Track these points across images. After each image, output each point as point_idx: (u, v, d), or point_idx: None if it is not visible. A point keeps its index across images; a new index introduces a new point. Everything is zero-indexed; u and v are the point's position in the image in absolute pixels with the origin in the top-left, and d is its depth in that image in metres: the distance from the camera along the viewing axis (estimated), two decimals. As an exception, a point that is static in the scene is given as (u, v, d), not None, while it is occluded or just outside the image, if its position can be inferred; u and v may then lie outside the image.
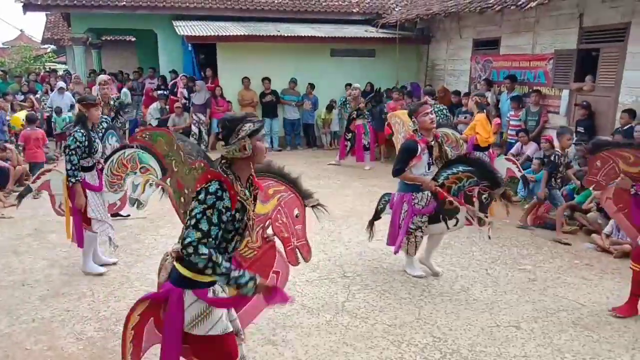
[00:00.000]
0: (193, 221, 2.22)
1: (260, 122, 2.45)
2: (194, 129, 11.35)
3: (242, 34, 11.46)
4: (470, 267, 5.18)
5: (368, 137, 9.89)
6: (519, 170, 6.57)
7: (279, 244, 3.23)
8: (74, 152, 4.54)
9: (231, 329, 2.50)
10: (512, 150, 8.42)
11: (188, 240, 2.19)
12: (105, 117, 5.32)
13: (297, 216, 3.23)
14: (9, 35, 41.39)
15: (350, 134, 9.99)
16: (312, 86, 11.84)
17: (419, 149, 4.48)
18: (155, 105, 11.74)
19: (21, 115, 10.23)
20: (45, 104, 12.04)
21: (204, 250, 2.20)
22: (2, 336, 3.77)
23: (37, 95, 12.35)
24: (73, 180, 4.56)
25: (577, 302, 4.44)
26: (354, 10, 13.93)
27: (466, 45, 10.93)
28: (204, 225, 2.21)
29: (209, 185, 2.27)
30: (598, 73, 7.59)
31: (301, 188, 3.25)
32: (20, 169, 8.35)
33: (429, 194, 4.56)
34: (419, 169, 4.55)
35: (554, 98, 8.47)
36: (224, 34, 11.44)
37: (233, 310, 2.64)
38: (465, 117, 9.27)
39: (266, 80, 11.55)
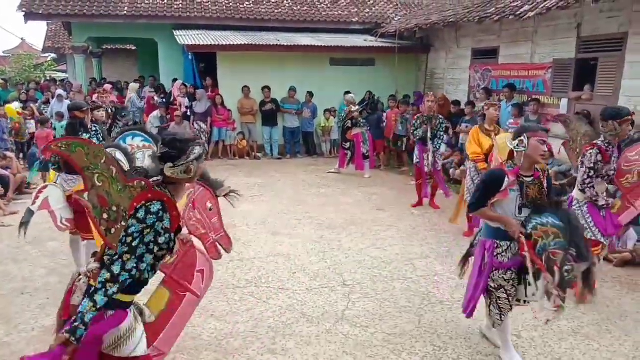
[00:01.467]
0: (129, 239, 2.22)
1: (203, 146, 2.50)
2: (195, 137, 11.36)
3: (243, 43, 11.53)
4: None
5: (367, 146, 9.91)
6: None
7: (197, 242, 3.22)
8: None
9: (150, 351, 2.51)
10: (511, 159, 8.43)
11: (115, 257, 2.22)
12: (96, 125, 5.33)
13: (210, 209, 3.21)
14: (10, 44, 41.56)
15: (349, 143, 10.02)
16: (311, 94, 11.88)
17: (506, 182, 3.33)
18: (155, 113, 11.76)
19: (14, 105, 10.43)
20: (45, 113, 12.06)
21: (113, 288, 2.19)
22: (1, 345, 3.76)
23: (37, 104, 12.39)
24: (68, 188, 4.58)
25: (578, 311, 4.44)
26: (354, 20, 14.02)
27: (465, 55, 10.99)
28: (136, 243, 2.21)
29: (151, 205, 2.25)
30: (596, 82, 7.63)
31: (209, 180, 3.24)
32: (20, 177, 8.36)
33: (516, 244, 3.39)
34: (505, 210, 3.38)
35: (553, 107, 8.51)
36: (225, 43, 11.51)
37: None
38: (467, 127, 9.29)
39: (266, 89, 11.60)
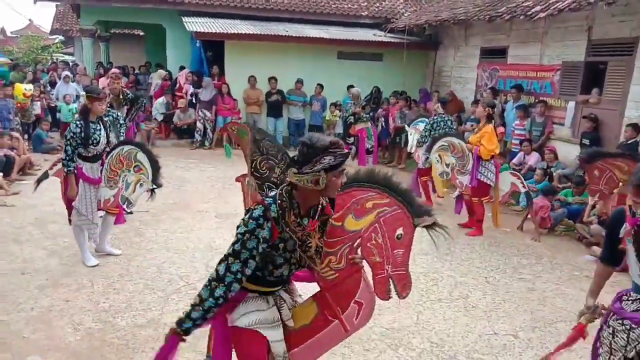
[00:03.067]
0: (234, 239, 2.13)
1: (342, 156, 2.13)
2: (199, 125, 11.37)
3: (251, 32, 11.50)
4: (469, 274, 5.18)
5: (372, 141, 9.89)
6: (523, 186, 6.45)
7: (367, 269, 2.54)
8: (68, 143, 4.57)
9: (260, 328, 2.31)
10: (515, 160, 8.42)
11: (224, 255, 2.15)
12: (114, 111, 5.29)
13: (398, 237, 2.44)
14: (18, 25, 41.50)
15: (352, 139, 10.00)
16: (321, 87, 11.85)
17: (623, 229, 2.47)
18: (161, 99, 11.76)
19: (26, 87, 10.41)
20: (51, 94, 12.09)
21: (228, 278, 2.11)
22: (0, 323, 3.78)
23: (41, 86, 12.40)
24: (66, 170, 4.59)
25: (575, 313, 4.42)
26: (363, 14, 13.95)
27: (473, 53, 10.94)
28: (237, 246, 2.11)
29: (255, 209, 2.13)
30: (605, 86, 7.59)
31: (413, 203, 2.46)
32: (25, 157, 8.38)
33: None
34: (632, 263, 2.46)
35: (560, 109, 8.47)
36: (233, 31, 11.48)
37: (281, 329, 2.41)
38: (472, 125, 9.25)
39: (272, 79, 11.57)
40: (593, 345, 2.67)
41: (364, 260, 2.47)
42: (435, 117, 7.82)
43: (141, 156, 4.71)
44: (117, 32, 20.02)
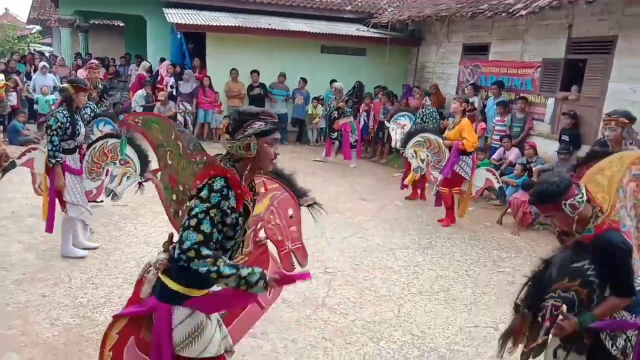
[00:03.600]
0: (194, 221, 1.97)
1: (274, 124, 2.17)
2: (180, 118, 11.23)
3: (233, 25, 11.39)
4: (450, 268, 5.23)
5: (355, 135, 9.91)
6: (498, 182, 6.55)
7: (272, 247, 2.93)
8: (55, 133, 4.45)
9: (223, 350, 2.29)
10: (495, 156, 8.50)
11: (188, 244, 1.96)
12: (90, 103, 5.23)
13: (291, 217, 2.92)
14: (-7, 14, 40.46)
15: (336, 133, 10.00)
16: (304, 81, 11.81)
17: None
18: (141, 92, 11.58)
19: None
20: (27, 86, 11.82)
21: (206, 252, 1.97)
22: (-25, 318, 3.69)
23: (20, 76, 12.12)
24: (53, 161, 4.47)
25: (554, 307, 4.50)
26: (347, 9, 13.93)
27: (456, 50, 11.00)
28: (205, 227, 1.97)
29: (214, 182, 2.03)
30: (584, 83, 7.69)
31: (296, 186, 2.93)
32: (1, 150, 8.18)
33: None
34: None
35: (540, 106, 8.57)
36: (215, 24, 11.37)
37: (224, 327, 2.40)
38: (453, 121, 9.32)
39: (254, 73, 11.49)
40: None
41: (267, 240, 2.81)
42: (423, 110, 7.89)
43: (129, 150, 4.72)
44: (97, 22, 19.69)
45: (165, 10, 11.96)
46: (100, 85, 6.47)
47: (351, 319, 4.03)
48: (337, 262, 5.15)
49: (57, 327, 3.63)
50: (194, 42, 12.40)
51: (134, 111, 11.43)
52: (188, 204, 2.11)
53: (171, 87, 11.48)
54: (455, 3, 10.51)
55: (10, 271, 4.47)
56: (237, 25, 11.39)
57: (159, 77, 12.02)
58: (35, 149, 4.91)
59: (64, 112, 4.51)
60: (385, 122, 9.33)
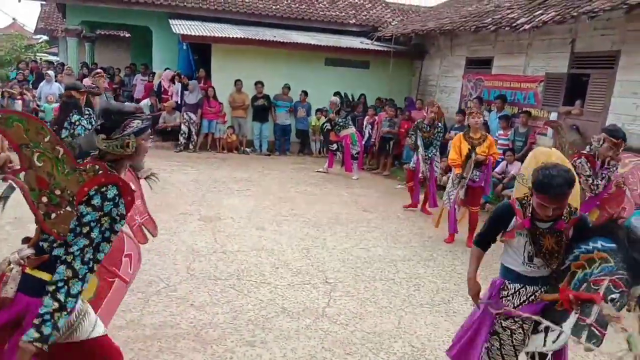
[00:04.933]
0: (86, 229, 2.05)
1: (148, 121, 2.30)
2: (184, 128, 11.30)
3: (238, 36, 11.49)
4: (451, 280, 5.20)
5: (357, 147, 9.93)
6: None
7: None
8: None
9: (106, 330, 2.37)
10: (497, 169, 8.49)
11: (74, 248, 2.04)
12: (89, 109, 5.27)
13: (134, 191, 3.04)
14: (1, 23, 41.03)
15: (335, 145, 10.03)
16: (305, 93, 11.88)
17: (512, 223, 2.79)
18: (145, 101, 11.69)
19: None
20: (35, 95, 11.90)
21: (79, 267, 2.03)
22: (-25, 323, 3.69)
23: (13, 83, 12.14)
24: None
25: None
26: (351, 22, 14.06)
27: (459, 63, 11.07)
28: (95, 234, 2.06)
29: (106, 190, 2.09)
30: (587, 98, 7.72)
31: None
32: (4, 156, 8.22)
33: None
34: (511, 253, 2.85)
35: (543, 120, 8.59)
36: (220, 35, 11.46)
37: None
38: (456, 134, 9.33)
39: (259, 84, 11.56)
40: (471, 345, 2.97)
41: None
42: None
43: None
44: (103, 33, 19.89)
45: (171, 22, 12.09)
46: (105, 95, 6.52)
47: (351, 330, 4.01)
48: (338, 273, 5.14)
49: (57, 333, 3.62)
50: (199, 53, 12.51)
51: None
52: (69, 209, 2.12)
53: (177, 94, 11.55)
54: (458, 17, 10.60)
55: (11, 277, 4.47)
56: (242, 37, 11.50)
57: (162, 88, 12.12)
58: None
59: (85, 120, 4.57)
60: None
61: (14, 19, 30.47)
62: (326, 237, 6.22)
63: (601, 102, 7.41)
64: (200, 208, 7.03)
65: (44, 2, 18.23)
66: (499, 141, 8.89)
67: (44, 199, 2.16)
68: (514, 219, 2.77)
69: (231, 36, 11.46)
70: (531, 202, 2.68)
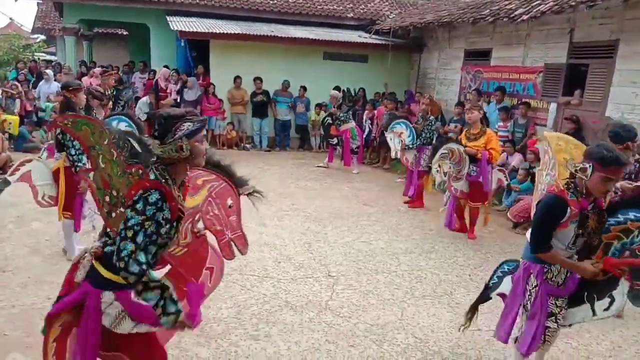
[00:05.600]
0: (130, 233, 2.11)
1: (200, 122, 2.29)
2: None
3: (236, 32, 11.47)
4: (453, 272, 5.23)
5: (357, 141, 9.92)
6: (507, 179, 6.63)
7: (211, 237, 3.02)
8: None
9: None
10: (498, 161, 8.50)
11: (124, 253, 2.11)
12: (84, 110, 5.33)
13: (230, 207, 2.98)
14: (-2, 24, 40.86)
15: (335, 139, 10.02)
16: (304, 88, 11.87)
17: (568, 214, 2.83)
18: (144, 99, 11.65)
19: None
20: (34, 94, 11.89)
21: (135, 268, 2.13)
22: (-20, 321, 3.71)
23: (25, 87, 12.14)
24: (80, 164, 4.55)
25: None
26: (349, 15, 14.02)
27: (457, 55, 11.05)
28: (139, 238, 2.12)
29: (149, 195, 2.14)
30: (586, 88, 7.71)
31: (234, 175, 3.00)
32: (5, 156, 8.25)
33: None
34: (554, 241, 2.92)
35: (542, 111, 8.59)
36: (218, 31, 11.45)
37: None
38: (455, 126, 9.36)
39: (258, 80, 11.55)
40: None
41: (206, 231, 2.91)
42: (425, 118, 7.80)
43: (124, 125, 4.88)
44: (101, 31, 19.83)
45: (169, 18, 12.06)
46: (108, 92, 6.53)
47: (354, 322, 4.04)
48: (340, 266, 5.16)
49: (62, 330, 3.64)
50: (197, 50, 12.49)
51: (138, 118, 11.50)
52: (122, 210, 2.24)
53: (177, 93, 11.54)
54: (456, 9, 10.58)
55: (16, 274, 4.50)
56: (239, 32, 11.48)
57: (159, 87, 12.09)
58: (29, 160, 4.79)
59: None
60: (384, 132, 9.20)
61: (11, 18, 30.42)
62: (327, 231, 6.24)
63: (600, 92, 7.40)
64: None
65: (40, 1, 18.20)
66: (499, 133, 8.88)
67: (107, 198, 2.31)
68: (568, 210, 2.81)
69: (229, 32, 11.45)
70: (584, 183, 2.80)
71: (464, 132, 6.48)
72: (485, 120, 9.28)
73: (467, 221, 6.49)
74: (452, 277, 5.11)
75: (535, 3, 7.98)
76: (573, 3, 7.00)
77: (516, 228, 6.78)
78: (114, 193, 2.29)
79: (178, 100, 11.48)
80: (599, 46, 7.50)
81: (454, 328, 4.05)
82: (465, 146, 6.10)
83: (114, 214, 2.28)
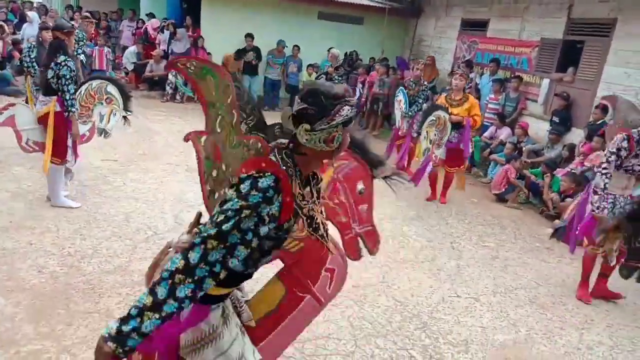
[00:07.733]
0: (221, 217, 1.50)
1: (355, 107, 1.70)
2: (171, 77, 11.05)
3: (230, -15, 11.14)
4: (436, 240, 5.29)
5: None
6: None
7: (333, 230, 2.20)
8: (70, 81, 4.44)
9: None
10: (486, 134, 8.53)
11: (199, 239, 1.51)
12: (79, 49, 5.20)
13: (360, 192, 2.29)
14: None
15: None
16: (298, 48, 11.65)
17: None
18: (132, 49, 11.40)
19: None
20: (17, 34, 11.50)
21: (194, 255, 1.51)
22: (-40, 262, 3.67)
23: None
24: (73, 110, 4.51)
25: (535, 282, 4.60)
26: (346, -24, 13.67)
27: (454, 24, 10.91)
28: (226, 227, 1.49)
29: (260, 177, 1.54)
30: (580, 65, 7.69)
31: (368, 153, 2.23)
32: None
33: None
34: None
35: (534, 86, 8.58)
36: (211, -18, 11.10)
37: (247, 338, 1.91)
38: (447, 96, 9.27)
39: (249, 37, 11.27)
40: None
41: (329, 223, 2.12)
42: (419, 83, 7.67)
43: (111, 88, 4.94)
44: (89, -25, 19.09)
45: (161, -35, 11.65)
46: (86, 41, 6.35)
47: (337, 283, 4.08)
48: (325, 228, 5.17)
49: (44, 275, 3.63)
50: (188, 2, 12.13)
51: (125, 68, 11.22)
52: (225, 190, 1.75)
53: (165, 43, 11.26)
54: (457, -24, 10.38)
55: (-3, 219, 4.44)
56: (234, -15, 11.15)
57: (148, 35, 11.79)
58: (13, 104, 4.73)
59: (69, 60, 4.44)
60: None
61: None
62: (314, 193, 6.23)
63: (594, 71, 7.39)
64: (187, 159, 6.95)
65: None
66: (489, 105, 8.87)
67: (214, 173, 1.89)
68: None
69: (223, -16, 11.12)
70: None
71: (443, 96, 6.47)
72: (476, 91, 9.31)
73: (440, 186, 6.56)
74: (434, 244, 5.18)
75: (537, -25, 7.86)
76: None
77: (507, 203, 6.88)
78: (223, 167, 1.86)
79: (167, 51, 11.22)
80: (596, 24, 7.45)
81: (433, 293, 4.13)
82: (451, 114, 6.10)
83: (216, 195, 1.85)
